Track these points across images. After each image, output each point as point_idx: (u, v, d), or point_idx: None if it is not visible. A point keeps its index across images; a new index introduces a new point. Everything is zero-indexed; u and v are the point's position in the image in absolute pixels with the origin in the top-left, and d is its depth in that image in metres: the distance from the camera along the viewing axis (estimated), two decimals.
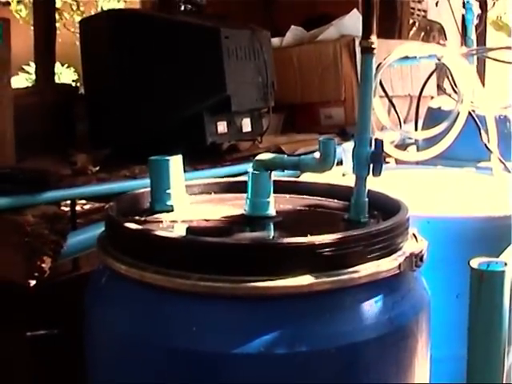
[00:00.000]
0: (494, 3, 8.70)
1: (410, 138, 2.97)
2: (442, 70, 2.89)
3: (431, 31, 7.31)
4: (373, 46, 1.44)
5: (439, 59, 2.50)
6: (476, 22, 2.99)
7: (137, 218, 1.51)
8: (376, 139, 1.44)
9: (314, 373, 1.21)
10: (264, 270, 1.21)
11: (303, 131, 3.56)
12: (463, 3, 3.03)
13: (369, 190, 1.47)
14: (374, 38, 1.44)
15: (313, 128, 3.59)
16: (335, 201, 1.67)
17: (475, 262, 1.22)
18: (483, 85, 4.88)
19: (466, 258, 1.29)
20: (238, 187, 1.67)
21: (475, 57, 2.83)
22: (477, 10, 2.99)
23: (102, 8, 10.44)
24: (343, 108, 3.64)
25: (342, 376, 1.24)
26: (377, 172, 1.43)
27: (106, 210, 1.47)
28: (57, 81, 5.34)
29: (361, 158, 1.44)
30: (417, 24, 7.19)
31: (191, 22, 2.68)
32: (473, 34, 2.96)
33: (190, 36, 2.58)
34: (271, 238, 1.44)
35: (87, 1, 10.78)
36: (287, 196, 1.70)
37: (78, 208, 3.97)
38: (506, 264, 1.19)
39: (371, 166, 1.43)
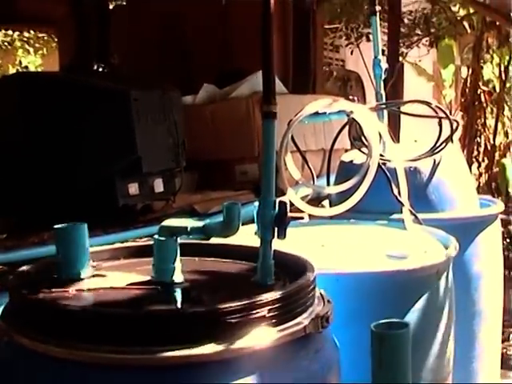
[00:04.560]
0: (407, 53, 8.93)
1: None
2: (352, 124, 2.93)
3: (348, 81, 7.44)
4: (274, 111, 1.45)
5: (348, 114, 2.53)
6: (384, 76, 3.03)
7: (41, 287, 1.48)
8: (280, 202, 1.44)
9: None
10: (168, 340, 1.20)
11: (219, 188, 3.57)
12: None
13: (275, 251, 1.47)
14: (274, 102, 1.45)
15: (228, 185, 3.61)
16: (244, 262, 1.67)
17: (376, 325, 1.23)
18: (398, 137, 4.95)
19: (378, 313, 1.30)
20: (147, 251, 1.65)
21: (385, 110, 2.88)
22: (384, 65, 3.03)
23: (20, 62, 10.37)
24: (257, 164, 3.66)
25: None
26: (281, 235, 1.43)
27: (8, 280, 1.44)
28: None
29: (265, 221, 1.44)
30: (334, 74, 7.32)
31: (100, 85, 2.69)
32: (381, 89, 3.01)
33: (100, 99, 2.58)
34: (175, 306, 1.43)
35: (5, 55, 10.71)
36: (196, 259, 1.70)
37: None
38: (406, 325, 1.20)
39: (276, 228, 1.43)
